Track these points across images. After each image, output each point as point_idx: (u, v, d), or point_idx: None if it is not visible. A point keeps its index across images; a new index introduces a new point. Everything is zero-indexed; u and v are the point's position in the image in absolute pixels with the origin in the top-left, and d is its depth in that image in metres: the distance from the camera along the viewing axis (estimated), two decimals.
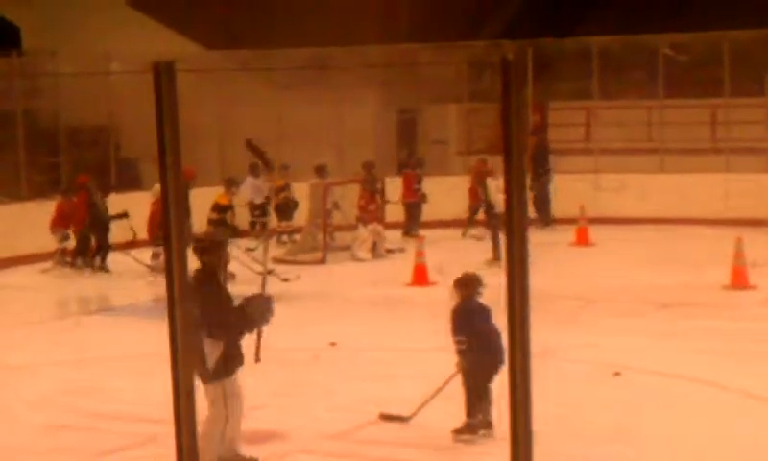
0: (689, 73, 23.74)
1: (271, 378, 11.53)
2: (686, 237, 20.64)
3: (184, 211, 15.52)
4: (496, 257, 17.54)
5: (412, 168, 22.80)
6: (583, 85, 24.77)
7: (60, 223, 19.33)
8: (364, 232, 19.60)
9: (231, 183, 19.03)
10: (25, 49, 25.52)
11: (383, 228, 19.97)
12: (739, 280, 15.78)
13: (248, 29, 25.13)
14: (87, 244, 19.29)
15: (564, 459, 8.22)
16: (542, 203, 22.87)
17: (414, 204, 22.23)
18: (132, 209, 18.67)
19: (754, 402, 10.20)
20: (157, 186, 15.29)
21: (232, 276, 17.51)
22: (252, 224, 22.34)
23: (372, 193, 20.24)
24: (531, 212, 22.94)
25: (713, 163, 23.28)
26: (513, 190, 2.63)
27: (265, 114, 23.70)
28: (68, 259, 19.29)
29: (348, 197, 21.05)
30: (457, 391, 9.78)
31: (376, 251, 19.42)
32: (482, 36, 25.86)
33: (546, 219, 22.66)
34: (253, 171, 22.42)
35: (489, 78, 25.79)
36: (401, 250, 19.59)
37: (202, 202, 17.44)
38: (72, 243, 19.39)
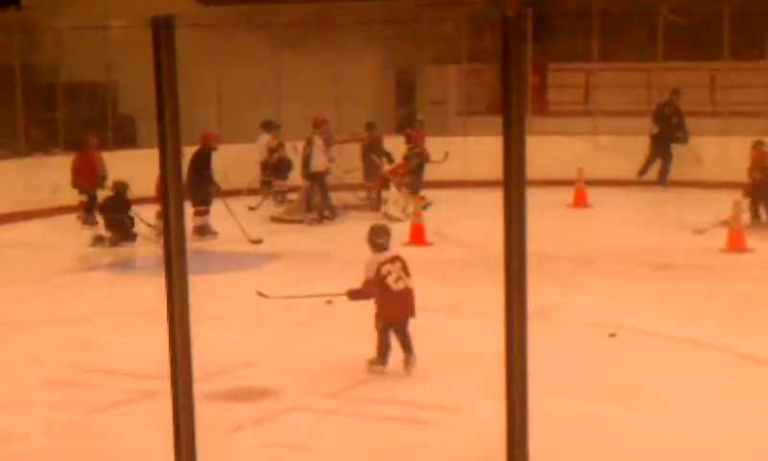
0: (689, 35, 23.64)
1: (265, 336, 11.57)
2: (684, 200, 20.62)
3: (208, 172, 15.57)
4: None
5: (418, 128, 22.53)
6: (582, 47, 24.67)
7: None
8: (396, 194, 19.71)
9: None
10: (23, 3, 25.41)
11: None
12: (736, 243, 15.78)
13: None
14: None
15: (558, 417, 8.24)
16: None
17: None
18: (129, 167, 18.54)
19: (750, 364, 10.23)
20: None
21: (215, 234, 17.55)
22: (264, 182, 21.93)
23: (409, 162, 20.65)
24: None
25: (712, 126, 23.24)
26: (512, 150, 2.62)
27: (263, 71, 23.59)
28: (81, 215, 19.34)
29: (345, 155, 20.99)
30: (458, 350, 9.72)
31: (406, 211, 19.36)
32: None
33: None
34: (267, 127, 22.06)
35: (489, 37, 25.65)
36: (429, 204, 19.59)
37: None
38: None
